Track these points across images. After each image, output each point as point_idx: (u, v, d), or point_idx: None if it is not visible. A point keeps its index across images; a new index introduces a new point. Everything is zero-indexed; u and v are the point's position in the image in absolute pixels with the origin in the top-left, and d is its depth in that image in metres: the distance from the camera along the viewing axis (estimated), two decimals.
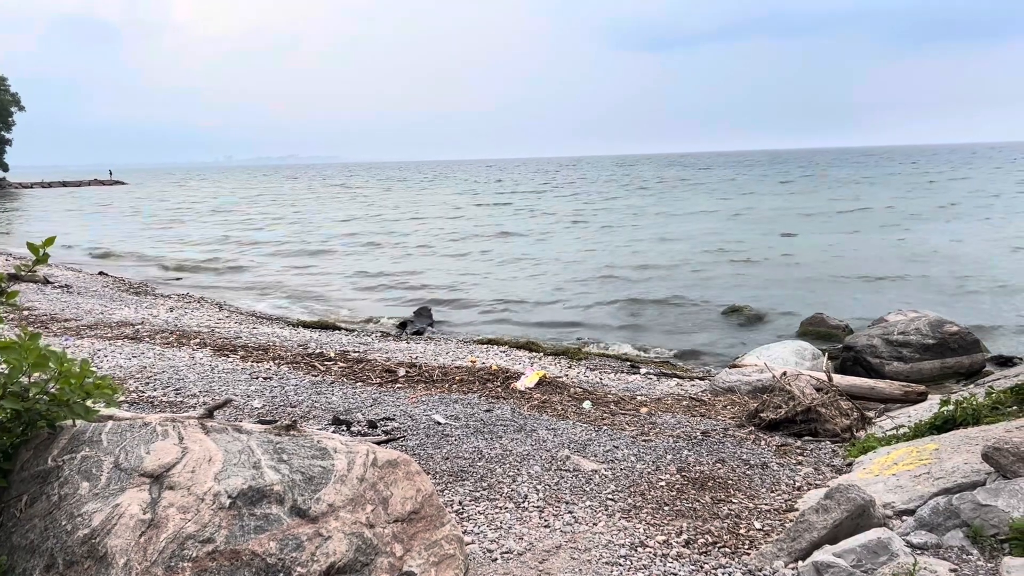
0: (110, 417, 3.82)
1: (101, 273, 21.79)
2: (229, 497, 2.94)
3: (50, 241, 3.76)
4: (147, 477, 3.02)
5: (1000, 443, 4.20)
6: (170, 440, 3.27)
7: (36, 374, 3.33)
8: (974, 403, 5.89)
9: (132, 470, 3.05)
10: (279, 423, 3.82)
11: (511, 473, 5.68)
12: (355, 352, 10.89)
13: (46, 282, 17.30)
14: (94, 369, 3.54)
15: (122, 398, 7.34)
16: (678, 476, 5.72)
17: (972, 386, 9.04)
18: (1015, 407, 5.72)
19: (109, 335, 11.01)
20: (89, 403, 3.45)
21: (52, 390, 3.35)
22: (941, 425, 5.86)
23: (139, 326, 12.04)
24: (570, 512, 4.95)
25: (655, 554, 4.35)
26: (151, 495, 2.93)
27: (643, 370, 11.13)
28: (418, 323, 15.20)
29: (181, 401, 7.52)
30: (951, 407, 5.97)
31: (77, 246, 29.97)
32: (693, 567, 4.18)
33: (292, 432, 3.58)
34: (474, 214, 45.48)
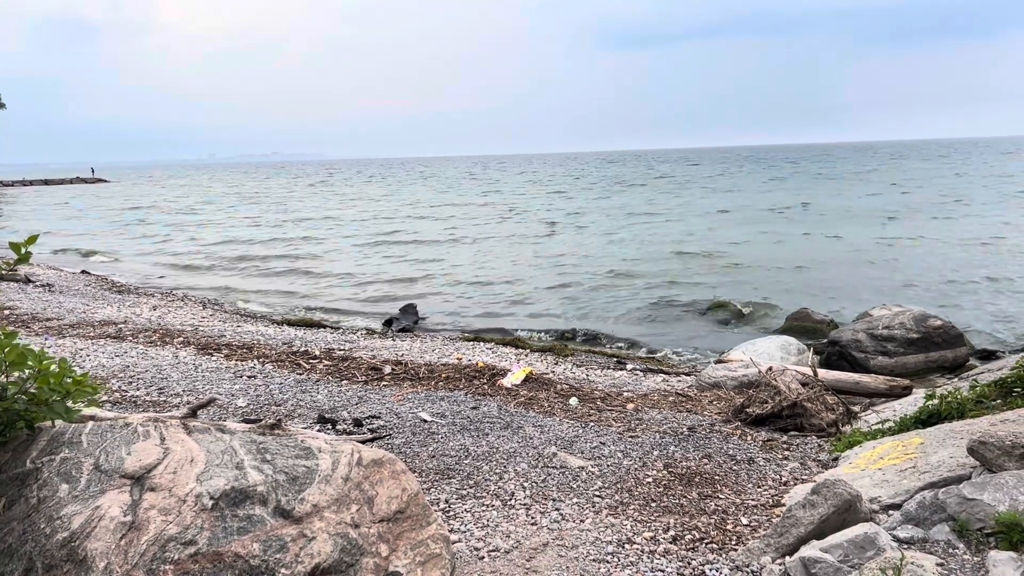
0: (92, 417, 3.76)
1: (83, 272, 21.61)
2: (211, 498, 2.90)
3: (32, 239, 3.69)
4: (128, 479, 2.97)
5: (985, 437, 4.21)
6: (151, 441, 3.23)
7: (15, 373, 3.27)
8: (959, 397, 5.91)
9: (113, 471, 3.00)
10: (263, 422, 3.78)
11: (498, 471, 5.66)
12: (340, 350, 10.84)
13: (27, 281, 17.13)
14: (75, 368, 3.48)
15: (104, 398, 7.27)
16: (665, 472, 5.71)
17: (956, 380, 9.10)
18: (999, 400, 5.75)
19: (91, 334, 10.91)
20: (70, 403, 3.40)
21: (31, 390, 3.29)
22: (926, 419, 5.87)
23: (122, 325, 11.93)
24: (557, 509, 4.94)
25: (642, 551, 4.34)
26: (132, 497, 2.89)
27: (629, 366, 11.13)
28: (404, 320, 15.14)
29: (164, 400, 7.45)
30: (936, 401, 5.99)
31: None
32: (680, 563, 4.18)
33: (276, 431, 3.54)
34: (464, 212, 45.43)
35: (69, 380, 3.36)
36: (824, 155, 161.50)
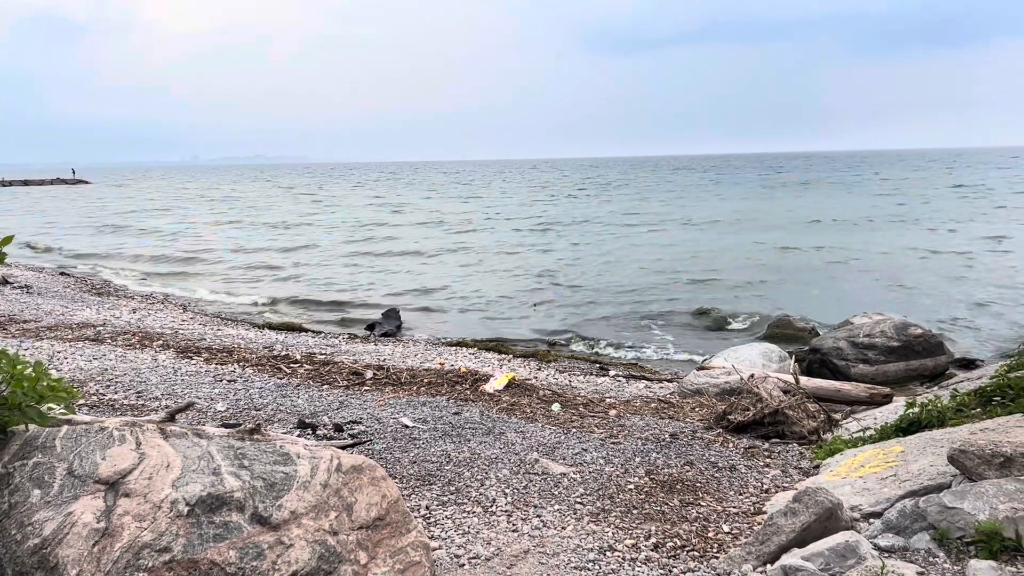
0: (67, 421, 3.70)
1: (63, 273, 21.40)
2: (187, 504, 2.86)
3: (7, 240, 3.62)
4: (102, 484, 2.92)
5: (965, 445, 4.22)
6: (127, 445, 3.18)
7: None
8: (939, 405, 5.93)
9: (86, 477, 2.95)
10: (242, 427, 3.73)
11: (479, 477, 5.62)
12: (322, 354, 10.77)
13: (5, 282, 16.93)
14: (51, 371, 3.42)
15: (81, 401, 7.18)
16: (647, 479, 5.69)
17: (936, 388, 9.15)
18: (979, 409, 5.77)
19: (70, 336, 10.79)
20: (44, 407, 3.34)
21: (3, 393, 3.23)
22: (907, 427, 5.89)
23: (101, 327, 11.81)
24: (538, 516, 4.91)
25: (624, 558, 4.32)
26: (106, 503, 2.84)
27: (612, 372, 11.13)
28: (386, 325, 15.08)
29: (143, 404, 7.36)
30: (916, 409, 6.01)
31: None
32: (662, 571, 4.16)
33: (255, 436, 3.50)
34: (448, 219, 45.42)
35: (44, 384, 3.30)
36: (808, 164, 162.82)
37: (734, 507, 5.19)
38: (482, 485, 5.45)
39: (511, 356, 12.23)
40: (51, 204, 61.13)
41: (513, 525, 4.77)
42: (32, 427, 3.32)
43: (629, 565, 4.23)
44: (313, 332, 14.21)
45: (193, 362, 9.51)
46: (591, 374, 10.95)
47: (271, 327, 14.46)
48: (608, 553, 4.38)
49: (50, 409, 3.43)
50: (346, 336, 13.84)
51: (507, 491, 5.34)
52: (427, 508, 5.02)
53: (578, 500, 5.22)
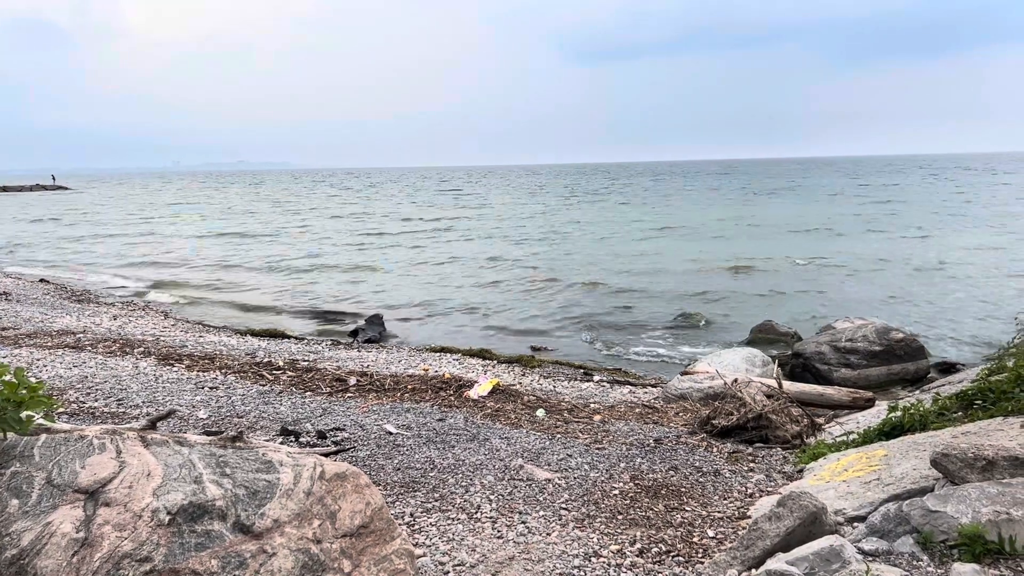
0: (46, 430, 3.65)
1: (42, 280, 21.19)
2: (168, 513, 2.82)
3: None
4: (81, 493, 2.88)
5: (948, 449, 4.24)
6: (107, 454, 3.13)
7: None
8: (921, 409, 5.96)
9: (65, 486, 2.91)
10: (224, 434, 3.70)
11: (464, 483, 5.60)
12: (305, 361, 10.71)
13: None
14: (31, 379, 3.37)
15: (61, 409, 7.10)
16: (631, 484, 5.69)
17: (918, 392, 9.21)
18: (960, 413, 5.81)
19: (49, 344, 10.67)
20: (24, 415, 3.29)
21: None
22: (889, 431, 5.92)
23: (81, 335, 11.69)
24: (523, 522, 4.89)
25: (609, 564, 4.31)
26: (85, 512, 2.80)
27: (596, 377, 11.12)
28: (369, 331, 15.01)
29: (123, 412, 7.29)
30: (899, 413, 6.04)
31: None
32: None
33: (238, 444, 3.46)
34: (432, 226, 45.38)
35: (24, 391, 3.25)
36: (788, 171, 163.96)
37: (719, 512, 5.19)
38: (467, 491, 5.44)
39: (495, 362, 12.20)
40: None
41: (498, 531, 4.75)
42: (10, 435, 3.27)
43: (615, 571, 4.23)
44: (296, 338, 14.13)
45: (175, 369, 9.43)
46: (575, 379, 10.94)
47: (253, 333, 14.36)
48: (593, 559, 4.37)
49: (29, 417, 3.38)
50: (329, 342, 13.76)
51: (492, 497, 5.33)
52: (411, 515, 4.99)
53: (563, 506, 5.21)
